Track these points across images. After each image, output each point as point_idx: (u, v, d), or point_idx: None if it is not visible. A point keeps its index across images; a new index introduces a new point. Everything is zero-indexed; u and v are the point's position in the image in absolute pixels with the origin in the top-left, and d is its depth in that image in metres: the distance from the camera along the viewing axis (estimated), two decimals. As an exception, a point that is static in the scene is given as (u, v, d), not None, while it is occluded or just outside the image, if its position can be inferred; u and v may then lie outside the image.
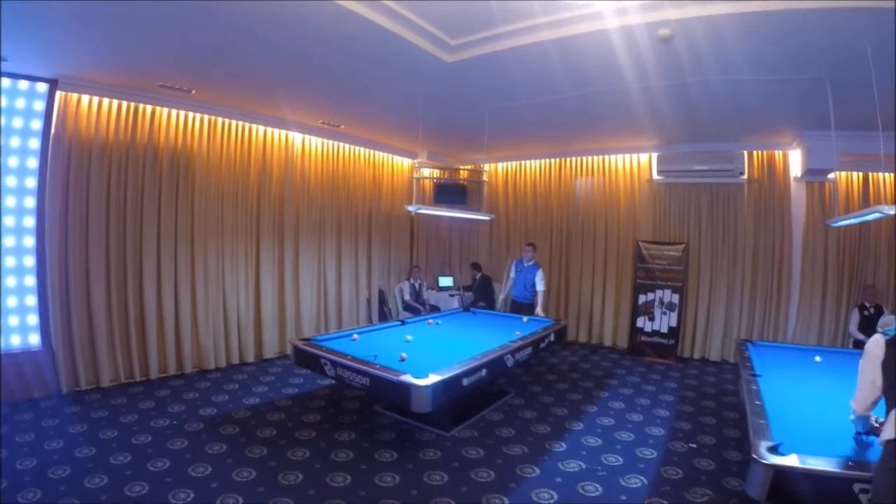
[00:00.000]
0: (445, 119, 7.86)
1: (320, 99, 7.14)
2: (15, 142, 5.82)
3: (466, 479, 4.38)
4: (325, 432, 5.30)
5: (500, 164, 10.93)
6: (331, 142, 8.90)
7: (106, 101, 6.37)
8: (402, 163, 10.40)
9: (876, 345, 3.05)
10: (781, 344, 6.96)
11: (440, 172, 10.77)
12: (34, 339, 5.96)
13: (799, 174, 8.19)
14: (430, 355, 5.39)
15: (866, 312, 7.37)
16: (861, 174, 8.04)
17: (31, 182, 5.91)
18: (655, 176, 9.19)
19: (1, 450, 4.59)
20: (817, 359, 5.74)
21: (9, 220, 5.82)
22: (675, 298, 8.80)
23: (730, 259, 8.73)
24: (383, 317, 9.69)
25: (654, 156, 9.15)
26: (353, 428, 5.43)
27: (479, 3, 4.45)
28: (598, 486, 4.28)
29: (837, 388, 4.32)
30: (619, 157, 9.64)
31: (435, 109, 7.41)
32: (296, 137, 8.37)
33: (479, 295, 9.92)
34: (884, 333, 3.07)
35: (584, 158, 9.96)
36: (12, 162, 5.82)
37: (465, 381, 4.83)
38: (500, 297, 9.15)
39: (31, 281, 5.93)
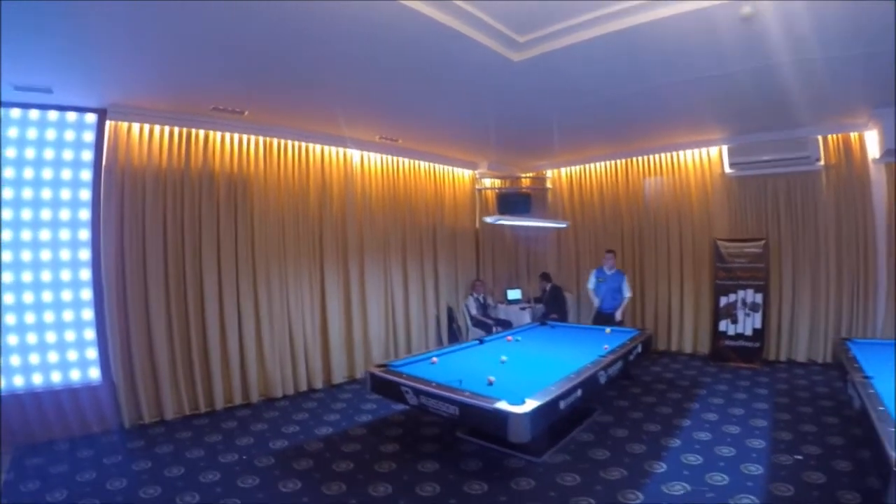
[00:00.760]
0: (509, 124, 6.98)
1: (379, 111, 6.42)
2: (66, 174, 5.29)
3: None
4: (406, 463, 4.55)
5: (563, 170, 9.91)
6: (389, 157, 8.12)
7: (157, 128, 5.80)
8: (463, 175, 9.50)
9: None
10: (883, 340, 5.96)
11: (501, 182, 9.81)
12: (94, 374, 5.34)
13: (877, 155, 6.97)
14: (518, 376, 4.67)
15: None
16: None
17: (85, 214, 5.35)
18: (727, 169, 8.09)
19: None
20: None
21: (65, 254, 5.27)
22: (759, 298, 7.68)
23: (812, 252, 7.60)
24: (453, 335, 8.79)
25: (725, 148, 8.06)
26: (436, 458, 4.65)
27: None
28: None
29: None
30: (688, 152, 8.54)
31: (499, 114, 6.56)
32: (354, 154, 7.62)
33: (552, 306, 8.90)
34: None
35: (651, 157, 8.86)
36: (65, 195, 5.28)
37: (562, 405, 4.06)
38: (594, 304, 7.88)
39: (88, 314, 5.35)
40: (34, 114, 5.11)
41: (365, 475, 4.33)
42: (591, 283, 7.83)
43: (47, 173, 5.16)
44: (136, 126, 5.62)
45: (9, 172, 5.01)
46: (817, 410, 5.57)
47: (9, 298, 5.01)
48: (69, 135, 5.25)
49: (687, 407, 5.88)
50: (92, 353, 5.31)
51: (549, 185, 9.94)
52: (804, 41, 4.47)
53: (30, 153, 5.10)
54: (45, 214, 5.15)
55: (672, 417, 5.55)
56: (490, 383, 4.39)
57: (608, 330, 6.95)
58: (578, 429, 5.16)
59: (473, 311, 8.83)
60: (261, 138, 6.58)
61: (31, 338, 5.10)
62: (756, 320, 7.66)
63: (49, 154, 5.17)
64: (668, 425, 5.31)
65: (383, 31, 4.12)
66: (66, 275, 5.24)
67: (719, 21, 4.10)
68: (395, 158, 8.16)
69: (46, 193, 5.15)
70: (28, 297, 5.09)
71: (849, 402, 4.64)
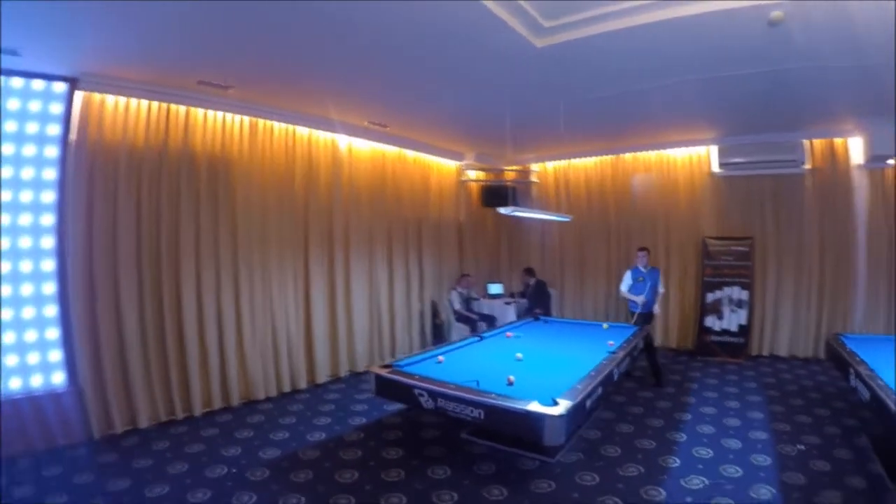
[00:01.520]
0: (511, 113, 6.51)
1: (372, 92, 5.86)
2: (29, 150, 4.57)
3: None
4: (415, 471, 4.18)
5: (549, 164, 9.59)
6: (376, 144, 7.58)
7: (134, 101, 5.11)
8: (449, 166, 9.04)
9: None
10: (873, 336, 6.18)
11: (485, 175, 9.41)
12: (59, 379, 4.66)
13: (862, 161, 7.28)
14: (535, 375, 4.42)
15: None
16: None
17: (49, 197, 4.65)
18: (716, 169, 8.08)
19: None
20: None
21: (25, 241, 4.56)
22: (745, 295, 7.79)
23: (796, 251, 7.75)
24: (437, 331, 8.34)
25: (714, 148, 8.06)
26: (445, 462, 4.33)
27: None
28: (731, 502, 3.60)
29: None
30: (677, 150, 8.43)
31: (504, 102, 6.11)
32: (341, 140, 7.04)
33: (536, 301, 8.62)
34: None
35: (640, 153, 8.72)
36: (27, 174, 4.56)
37: (588, 403, 3.86)
38: (634, 305, 6.96)
39: (52, 311, 4.66)
40: (-7, 80, 4.38)
41: (373, 485, 3.95)
42: (626, 284, 7.08)
43: (7, 149, 4.42)
44: (110, 98, 4.92)
45: (-39, 146, 4.28)
46: (808, 402, 5.73)
47: (-41, 292, 4.30)
48: (34, 105, 4.54)
49: (684, 401, 5.86)
50: (56, 356, 4.63)
51: (534, 178, 9.62)
52: (802, 50, 4.55)
53: (-13, 125, 4.36)
54: (5, 196, 4.42)
55: (672, 412, 5.52)
56: (510, 383, 4.09)
57: (606, 325, 6.88)
58: (584, 426, 4.93)
59: (457, 306, 8.43)
60: (245, 118, 5.94)
61: (-15, 337, 4.39)
62: (741, 316, 7.77)
63: (10, 127, 4.43)
64: (670, 420, 5.28)
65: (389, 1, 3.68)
66: (26, 266, 4.54)
67: (744, 23, 4.06)
68: (381, 146, 7.63)
69: (6, 172, 4.42)
70: (-19, 291, 4.38)
71: (852, 393, 4.70)
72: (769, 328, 7.86)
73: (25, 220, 4.53)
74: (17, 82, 4.45)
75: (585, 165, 9.21)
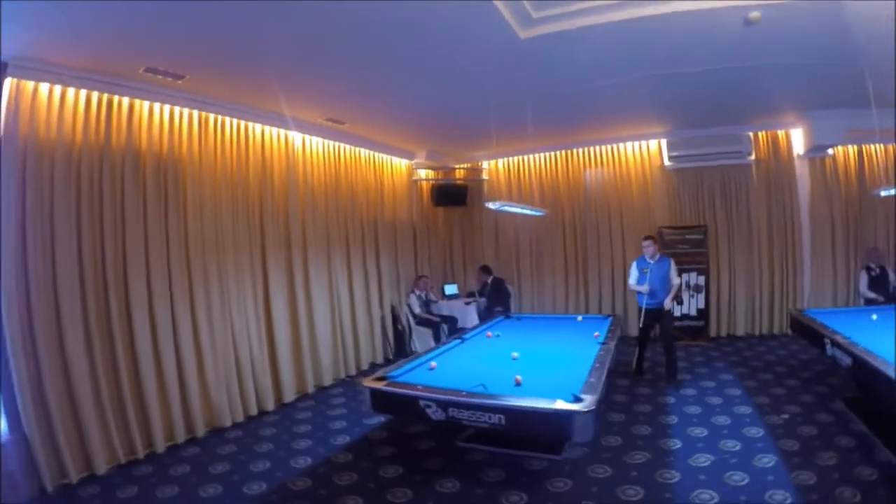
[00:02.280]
0: (478, 107, 6.25)
1: (335, 85, 5.38)
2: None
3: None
4: (421, 488, 3.83)
5: (500, 161, 9.37)
6: (331, 143, 7.02)
7: (72, 91, 4.31)
8: (401, 164, 8.58)
9: None
10: (834, 309, 6.59)
11: (435, 173, 9.03)
12: (-4, 427, 3.79)
13: (802, 151, 7.82)
14: (538, 372, 4.15)
15: (873, 273, 7.19)
16: (855, 148, 7.82)
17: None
18: (666, 162, 8.27)
19: None
20: (874, 317, 5.49)
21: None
22: (702, 280, 8.05)
23: (746, 236, 8.14)
24: (398, 337, 7.89)
25: (664, 142, 8.24)
26: (450, 473, 4.00)
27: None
28: (741, 473, 3.68)
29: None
30: (628, 145, 8.57)
31: (475, 94, 5.83)
32: (296, 137, 6.44)
33: (495, 300, 8.34)
34: None
35: (592, 148, 8.76)
36: (-59, 176, 3.67)
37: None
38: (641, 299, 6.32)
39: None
40: None
41: (382, 511, 3.51)
42: (633, 276, 6.42)
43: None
44: (44, 87, 4.11)
45: None
46: (776, 375, 5.97)
47: None
48: (-52, 94, 3.69)
49: (661, 386, 5.88)
50: None
51: (486, 176, 9.38)
52: (757, 49, 4.72)
53: None
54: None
55: (654, 396, 5.54)
56: (518, 383, 3.80)
57: (580, 318, 6.73)
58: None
59: (417, 310, 8.02)
60: (195, 112, 5.23)
61: None
62: (700, 300, 7.99)
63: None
64: (655, 404, 5.29)
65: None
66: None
67: (717, 23, 4.19)
68: (336, 144, 7.08)
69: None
70: None
71: (818, 363, 5.18)
72: (725, 310, 8.17)
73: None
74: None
75: (537, 162, 9.08)
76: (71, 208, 4.26)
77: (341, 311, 6.95)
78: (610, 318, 6.45)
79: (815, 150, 7.59)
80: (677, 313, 7.78)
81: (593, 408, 3.14)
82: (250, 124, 5.84)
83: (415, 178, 8.77)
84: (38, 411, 3.94)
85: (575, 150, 8.76)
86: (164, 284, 4.89)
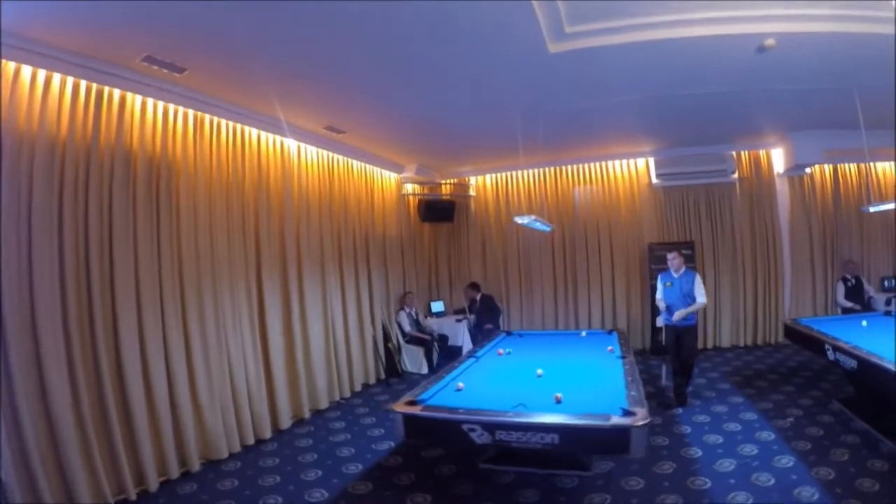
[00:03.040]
0: (481, 120, 6.04)
1: (340, 90, 4.93)
2: None
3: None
4: None
5: (488, 177, 8.98)
6: (325, 153, 6.46)
7: (58, 77, 3.65)
8: (390, 178, 8.05)
9: None
10: (824, 317, 6.59)
11: (421, 188, 8.56)
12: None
13: (782, 170, 7.91)
14: (571, 389, 3.81)
15: (849, 283, 7.26)
16: (831, 167, 8.04)
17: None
18: (654, 180, 8.19)
19: None
20: (864, 323, 5.56)
21: None
22: None
23: (730, 251, 8.12)
24: (388, 356, 7.29)
25: (651, 160, 8.17)
26: (484, 499, 3.68)
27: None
28: (766, 474, 3.71)
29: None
30: (616, 162, 8.44)
31: (480, 108, 5.67)
32: (291, 145, 5.86)
33: (485, 317, 7.89)
34: None
35: (581, 166, 8.56)
36: None
37: None
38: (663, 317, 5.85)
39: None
40: None
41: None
42: (658, 292, 5.86)
43: None
44: (26, 70, 3.44)
45: None
46: (770, 383, 6.00)
47: None
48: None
49: (668, 397, 5.70)
50: None
51: (472, 192, 8.98)
52: (740, 75, 4.83)
53: None
54: None
55: (663, 409, 5.37)
56: (558, 401, 3.51)
57: (583, 333, 6.38)
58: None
59: (407, 328, 7.49)
60: (191, 112, 4.62)
61: None
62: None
63: None
64: (665, 416, 5.14)
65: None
66: None
67: (730, 49, 4.22)
68: (330, 155, 6.52)
69: None
70: None
71: (836, 366, 4.83)
72: (711, 323, 8.04)
73: None
74: None
75: (526, 178, 8.77)
76: (52, 209, 3.56)
77: (335, 330, 6.33)
78: (614, 333, 6.15)
79: (795, 169, 7.70)
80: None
81: (648, 420, 2.97)
82: (247, 128, 5.24)
83: (403, 192, 8.27)
84: (15, 450, 3.20)
85: (564, 168, 8.53)
86: (156, 303, 4.21)
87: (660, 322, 6.24)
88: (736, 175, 8.03)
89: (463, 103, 5.46)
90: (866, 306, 7.03)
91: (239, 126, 5.14)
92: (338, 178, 6.66)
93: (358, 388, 6.64)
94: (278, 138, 5.63)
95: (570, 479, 3.80)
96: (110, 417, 3.76)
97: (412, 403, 3.58)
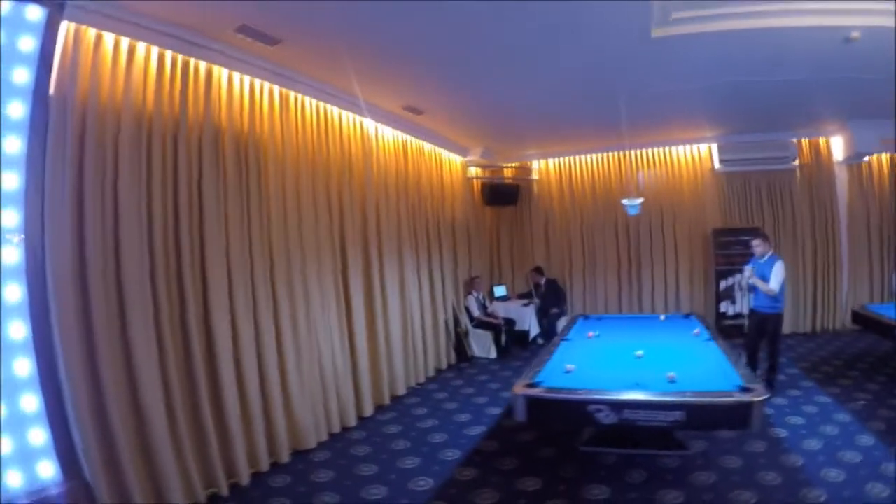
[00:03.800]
0: (560, 102, 5.37)
1: (423, 69, 4.36)
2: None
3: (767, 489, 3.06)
4: (573, 498, 3.09)
5: (551, 161, 8.15)
6: (399, 133, 5.72)
7: (143, 46, 3.01)
8: (457, 161, 7.26)
9: None
10: (890, 304, 5.76)
11: (484, 171, 7.75)
12: (47, 471, 2.43)
13: (842, 158, 7.18)
14: (671, 368, 3.36)
15: None
16: (888, 156, 7.18)
17: (14, 181, 2.42)
18: (717, 165, 7.38)
19: None
20: None
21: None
22: None
23: (791, 238, 7.32)
24: (458, 341, 6.63)
25: (714, 146, 7.39)
26: (591, 480, 3.26)
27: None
28: (851, 452, 3.44)
29: None
30: (679, 148, 7.62)
31: (570, 91, 5.06)
32: (370, 125, 5.13)
33: (551, 300, 7.20)
34: None
35: (645, 151, 7.72)
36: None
37: None
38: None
39: (24, 366, 2.42)
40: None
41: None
42: (745, 278, 5.17)
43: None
44: (109, 37, 2.82)
45: None
46: (835, 368, 5.50)
47: None
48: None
49: None
50: (39, 437, 2.42)
51: (535, 175, 8.16)
52: (802, 64, 4.38)
53: None
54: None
55: None
56: (671, 379, 3.19)
57: (663, 317, 5.71)
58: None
59: (476, 312, 6.79)
60: (276, 88, 3.95)
61: None
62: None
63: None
64: None
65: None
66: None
67: (823, 38, 3.85)
68: (403, 136, 5.78)
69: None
70: None
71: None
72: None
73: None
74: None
75: (589, 163, 7.95)
76: (140, 186, 2.96)
77: (412, 314, 5.66)
78: (692, 317, 5.53)
79: (854, 157, 7.01)
80: (730, 312, 7.02)
81: (767, 396, 2.97)
82: (329, 107, 4.55)
83: (468, 175, 7.51)
84: (102, 450, 2.62)
85: (627, 152, 7.68)
86: (247, 286, 3.60)
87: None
88: (797, 162, 7.23)
89: (551, 87, 4.86)
90: None
91: (322, 105, 4.46)
92: (412, 160, 5.93)
93: (431, 373, 5.98)
94: (358, 118, 4.93)
95: (671, 459, 3.44)
96: (202, 409, 3.19)
97: (530, 386, 3.14)
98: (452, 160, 7.08)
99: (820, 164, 7.28)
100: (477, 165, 7.49)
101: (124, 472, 2.67)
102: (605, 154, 7.81)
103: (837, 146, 7.19)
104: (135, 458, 2.77)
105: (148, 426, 2.84)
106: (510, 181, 7.99)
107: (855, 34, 3.76)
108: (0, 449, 2.24)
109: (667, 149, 7.58)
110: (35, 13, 2.41)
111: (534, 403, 2.98)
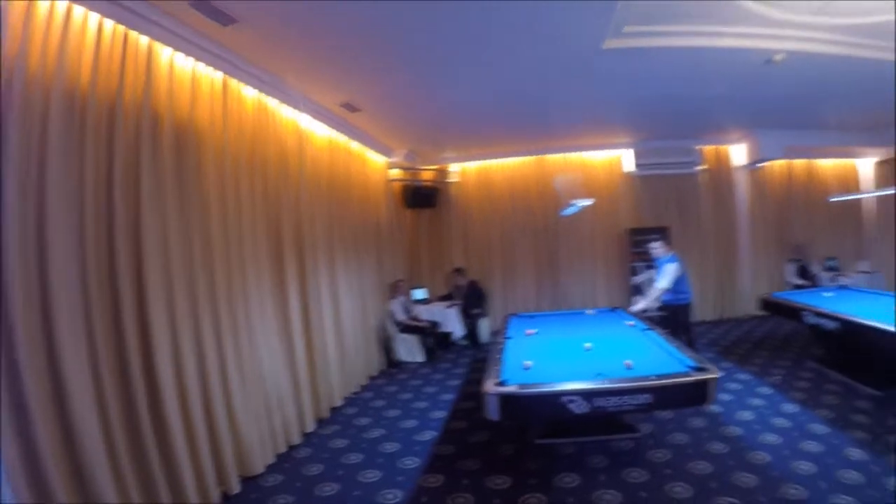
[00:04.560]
0: (490, 108, 5.76)
1: (369, 66, 4.30)
2: None
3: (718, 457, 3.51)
4: (546, 490, 3.23)
5: (469, 164, 8.37)
6: (331, 131, 5.52)
7: (80, 10, 2.64)
8: (379, 162, 7.13)
9: None
10: (793, 292, 6.67)
11: (404, 173, 7.74)
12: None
13: (742, 163, 8.18)
14: (623, 357, 3.65)
15: (800, 263, 7.78)
16: (784, 162, 8.36)
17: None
18: (632, 168, 8.14)
19: None
20: (828, 294, 5.95)
21: None
22: None
23: (696, 235, 8.25)
24: (386, 346, 6.54)
25: (630, 151, 8.13)
26: (560, 470, 3.46)
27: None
28: (781, 419, 4.04)
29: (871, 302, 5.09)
30: (597, 152, 8.28)
31: (507, 94, 5.32)
32: (302, 120, 4.90)
33: (474, 301, 7.41)
34: None
35: (563, 155, 8.27)
36: None
37: None
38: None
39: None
40: None
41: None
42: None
43: None
44: (43, 4, 2.45)
45: None
46: (746, 350, 6.22)
47: None
48: None
49: None
50: None
51: (454, 178, 8.32)
52: (724, 80, 4.96)
53: None
54: None
55: None
56: (628, 367, 3.45)
57: (590, 311, 6.01)
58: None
59: (401, 316, 6.74)
60: (219, 74, 3.66)
61: None
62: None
63: None
64: None
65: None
66: None
67: (744, 58, 4.36)
68: (334, 133, 5.59)
69: None
70: None
71: (817, 329, 5.07)
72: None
73: None
74: None
75: (508, 166, 8.29)
76: (71, 170, 2.58)
77: (342, 322, 5.45)
78: (619, 310, 5.93)
79: (756, 163, 7.94)
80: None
81: (720, 374, 3.27)
82: (267, 99, 4.30)
83: (390, 177, 7.45)
84: (28, 468, 2.24)
85: (545, 156, 8.18)
86: (186, 290, 3.28)
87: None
88: (702, 167, 8.16)
89: (489, 88, 5.06)
90: (816, 283, 7.47)
91: (261, 97, 4.20)
92: (341, 160, 5.76)
93: (364, 381, 5.84)
94: (294, 113, 4.70)
95: (625, 442, 3.78)
96: (142, 426, 2.82)
97: (500, 384, 3.20)
98: (376, 161, 6.97)
99: (722, 169, 8.26)
100: (399, 167, 7.47)
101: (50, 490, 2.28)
102: (524, 158, 8.22)
103: (741, 153, 8.13)
104: (64, 481, 2.35)
105: (82, 454, 2.42)
106: (430, 184, 8.08)
107: (778, 56, 4.31)
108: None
109: (585, 153, 8.19)
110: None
111: (507, 401, 3.06)
